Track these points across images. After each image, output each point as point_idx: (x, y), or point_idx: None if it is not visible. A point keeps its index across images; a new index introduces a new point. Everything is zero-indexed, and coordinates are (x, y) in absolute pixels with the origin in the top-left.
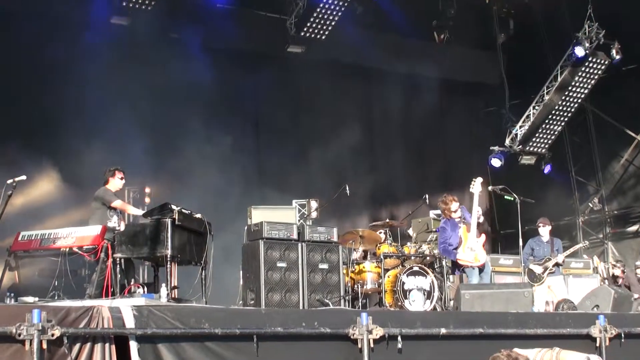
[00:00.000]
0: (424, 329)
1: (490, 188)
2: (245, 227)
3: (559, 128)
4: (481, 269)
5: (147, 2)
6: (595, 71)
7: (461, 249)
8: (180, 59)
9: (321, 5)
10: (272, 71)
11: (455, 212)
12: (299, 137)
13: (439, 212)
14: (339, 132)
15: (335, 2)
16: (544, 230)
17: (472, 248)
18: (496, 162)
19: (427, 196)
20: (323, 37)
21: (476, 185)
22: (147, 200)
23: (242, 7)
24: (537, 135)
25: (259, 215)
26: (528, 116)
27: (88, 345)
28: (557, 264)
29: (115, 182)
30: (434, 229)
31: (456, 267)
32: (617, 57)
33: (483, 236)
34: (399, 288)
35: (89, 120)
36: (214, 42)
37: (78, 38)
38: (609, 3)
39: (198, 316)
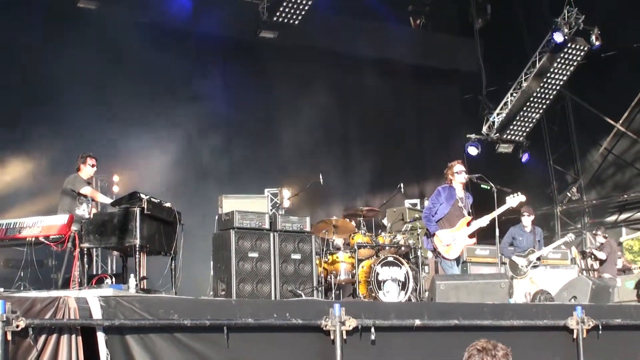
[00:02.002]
0: (398, 320)
1: (466, 176)
2: (216, 217)
3: (537, 116)
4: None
5: None
6: (575, 57)
7: (446, 230)
8: (149, 44)
9: None
10: (244, 56)
11: (459, 174)
12: (271, 124)
13: (414, 201)
14: (313, 120)
15: None
16: (528, 220)
17: (455, 239)
18: (473, 150)
19: (402, 185)
20: (296, 22)
21: (515, 200)
22: (115, 188)
23: None
24: (514, 123)
25: (230, 204)
26: (506, 103)
27: (54, 336)
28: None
29: (87, 170)
30: (408, 219)
31: (429, 242)
32: (597, 43)
33: (474, 240)
34: (373, 279)
35: (55, 106)
36: (184, 27)
37: (44, 22)
38: None
39: (167, 307)
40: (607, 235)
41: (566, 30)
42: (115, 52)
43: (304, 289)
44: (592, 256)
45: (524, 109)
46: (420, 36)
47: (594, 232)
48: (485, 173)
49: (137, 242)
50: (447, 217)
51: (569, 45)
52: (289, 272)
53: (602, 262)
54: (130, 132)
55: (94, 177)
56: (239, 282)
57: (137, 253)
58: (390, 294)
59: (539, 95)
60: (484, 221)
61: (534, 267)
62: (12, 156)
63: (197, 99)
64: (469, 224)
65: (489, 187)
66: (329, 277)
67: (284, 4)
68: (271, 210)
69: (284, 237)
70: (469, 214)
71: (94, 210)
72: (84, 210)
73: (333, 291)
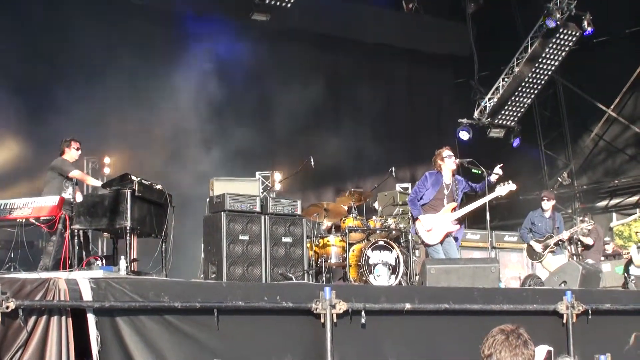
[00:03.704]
0: (388, 304)
1: (457, 161)
2: (207, 199)
3: (529, 101)
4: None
5: None
6: (566, 43)
7: (429, 215)
8: (141, 25)
9: None
10: (236, 39)
11: (449, 158)
12: (262, 107)
13: (405, 185)
14: (304, 103)
15: None
16: (547, 205)
17: (437, 224)
18: (464, 135)
19: (393, 169)
20: (288, 5)
21: (505, 188)
22: (106, 170)
23: None
24: (506, 107)
25: (221, 186)
26: (497, 88)
27: (44, 318)
28: (560, 241)
29: (72, 153)
30: (400, 203)
31: (414, 226)
32: (589, 28)
33: (457, 227)
34: (363, 262)
35: (47, 86)
36: (176, 8)
37: (35, 5)
38: None
39: (157, 289)
40: (594, 222)
41: (558, 16)
42: (107, 34)
43: (295, 272)
44: (579, 242)
45: (516, 94)
46: (413, 20)
47: (581, 218)
48: (477, 158)
49: (128, 224)
50: (432, 202)
51: (561, 30)
52: (279, 255)
53: (587, 247)
54: (121, 114)
55: (84, 159)
56: (229, 264)
57: (128, 235)
58: (381, 278)
59: (530, 80)
60: (469, 208)
61: (552, 252)
62: (4, 137)
63: (188, 82)
64: (454, 209)
65: (480, 172)
66: (319, 260)
67: None
68: (262, 193)
69: (275, 220)
70: (457, 200)
71: (79, 195)
72: (69, 194)
73: (324, 274)
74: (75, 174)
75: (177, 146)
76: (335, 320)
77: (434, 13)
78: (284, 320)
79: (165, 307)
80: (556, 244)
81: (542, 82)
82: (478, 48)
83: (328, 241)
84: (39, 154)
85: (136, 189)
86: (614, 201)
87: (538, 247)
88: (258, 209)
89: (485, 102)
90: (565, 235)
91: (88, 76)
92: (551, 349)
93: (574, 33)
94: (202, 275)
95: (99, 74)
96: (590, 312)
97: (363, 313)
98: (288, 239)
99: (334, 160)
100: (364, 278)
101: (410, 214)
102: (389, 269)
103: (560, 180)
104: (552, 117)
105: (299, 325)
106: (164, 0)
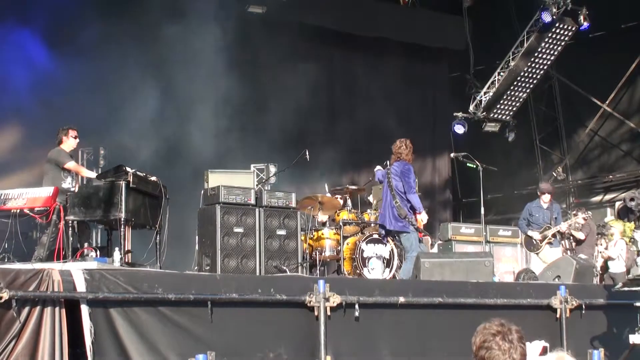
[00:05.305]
0: (382, 297)
1: (452, 155)
2: (202, 191)
3: (524, 95)
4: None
5: None
6: (562, 37)
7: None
8: (136, 18)
9: None
10: (232, 31)
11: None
12: (258, 100)
13: None
14: (300, 96)
15: None
16: (546, 198)
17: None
18: (459, 129)
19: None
20: None
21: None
22: (101, 162)
23: None
24: (501, 102)
25: (216, 179)
26: (493, 82)
27: (37, 308)
28: (558, 233)
29: (70, 142)
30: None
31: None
32: (585, 23)
33: None
34: (357, 256)
35: (41, 76)
36: (173, 2)
37: None
38: None
39: (151, 281)
40: (586, 217)
41: (554, 10)
42: (102, 24)
43: (289, 265)
44: (571, 237)
45: (511, 88)
46: (409, 13)
47: (574, 212)
48: (471, 152)
49: (123, 215)
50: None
51: (557, 25)
52: (274, 248)
53: (579, 242)
54: (117, 105)
55: (80, 150)
56: (223, 257)
57: (122, 226)
58: (375, 271)
59: (526, 74)
60: None
61: (549, 243)
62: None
63: (184, 74)
64: None
65: (475, 166)
66: (313, 253)
67: None
68: (257, 185)
69: (270, 213)
70: None
71: (77, 186)
72: (69, 184)
73: (318, 267)
74: (70, 165)
75: (173, 137)
76: (329, 313)
77: (430, 6)
78: (278, 312)
79: (159, 298)
80: (554, 236)
81: (538, 76)
82: (474, 42)
83: (322, 234)
84: (34, 145)
85: (131, 180)
86: (608, 196)
87: (536, 237)
88: (252, 201)
89: (481, 96)
90: (563, 226)
91: (84, 68)
92: (547, 344)
93: (570, 28)
94: (196, 268)
95: (95, 65)
96: (583, 307)
97: (357, 306)
98: (282, 232)
99: (329, 153)
100: (358, 271)
101: (411, 208)
102: (383, 263)
103: (555, 175)
104: (547, 112)
105: (292, 318)
106: None
